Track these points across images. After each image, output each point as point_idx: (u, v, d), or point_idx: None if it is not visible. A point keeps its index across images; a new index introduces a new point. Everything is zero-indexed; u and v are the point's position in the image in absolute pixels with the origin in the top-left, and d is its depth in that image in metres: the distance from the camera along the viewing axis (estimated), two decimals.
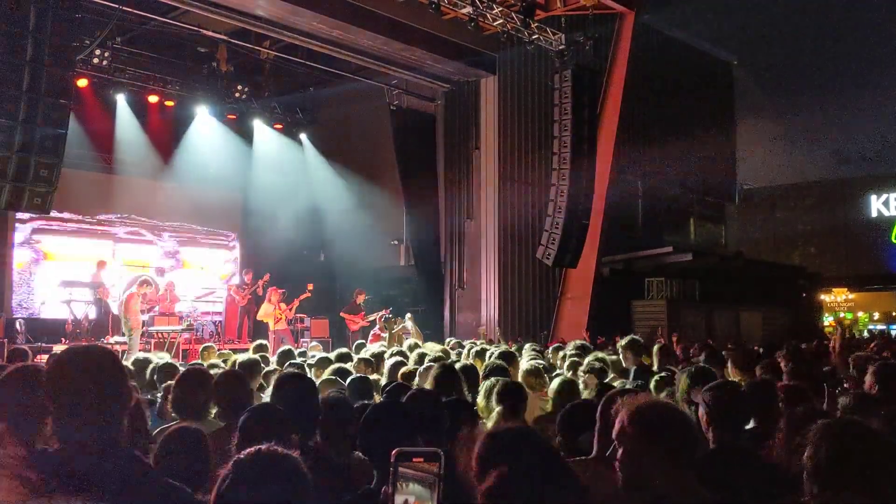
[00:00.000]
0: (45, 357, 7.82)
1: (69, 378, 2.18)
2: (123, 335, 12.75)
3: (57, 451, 2.16)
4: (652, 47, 22.75)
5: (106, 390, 2.18)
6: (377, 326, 14.75)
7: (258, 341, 9.04)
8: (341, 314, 15.71)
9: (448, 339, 10.95)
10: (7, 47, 8.39)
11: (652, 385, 5.07)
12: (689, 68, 26.32)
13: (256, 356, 6.21)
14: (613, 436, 2.41)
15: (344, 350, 8.09)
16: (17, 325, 13.71)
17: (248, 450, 1.92)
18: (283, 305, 14.81)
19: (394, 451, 1.87)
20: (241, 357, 6.09)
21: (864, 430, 2.20)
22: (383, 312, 15.08)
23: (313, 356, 7.59)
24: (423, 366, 5.77)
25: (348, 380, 5.34)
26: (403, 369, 5.88)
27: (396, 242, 19.47)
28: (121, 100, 16.09)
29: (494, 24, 14.06)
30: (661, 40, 24.09)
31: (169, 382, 4.56)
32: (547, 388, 5.80)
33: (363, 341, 12.45)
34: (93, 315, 14.07)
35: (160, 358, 6.56)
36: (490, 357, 6.96)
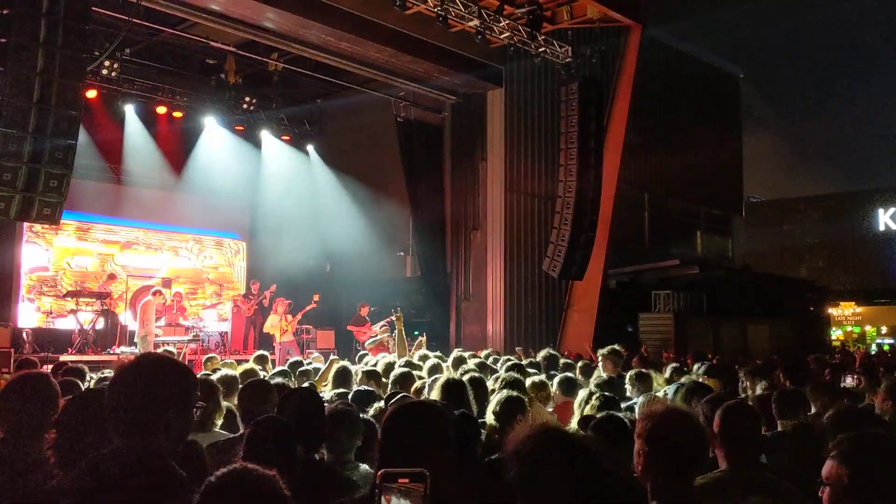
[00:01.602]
0: (50, 367, 7.84)
1: (138, 386, 2.16)
2: (136, 344, 12.81)
3: (100, 456, 2.14)
4: (658, 60, 22.76)
5: (157, 403, 2.16)
6: (378, 337, 14.70)
7: (259, 352, 9.02)
8: (348, 328, 15.71)
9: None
10: (18, 58, 8.45)
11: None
12: (696, 81, 26.30)
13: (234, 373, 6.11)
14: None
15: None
16: (24, 335, 13.76)
17: (222, 470, 1.84)
18: (289, 317, 14.83)
19: (379, 472, 1.87)
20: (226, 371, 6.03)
21: (892, 443, 2.18)
22: (386, 322, 15.06)
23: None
24: (431, 378, 5.76)
25: (352, 392, 5.33)
26: (417, 384, 5.84)
27: (402, 253, 19.48)
28: (129, 111, 16.18)
29: (501, 36, 14.10)
30: (667, 53, 24.11)
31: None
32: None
33: (365, 352, 12.40)
34: (100, 325, 14.11)
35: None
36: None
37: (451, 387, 4.45)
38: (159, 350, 12.62)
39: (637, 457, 2.46)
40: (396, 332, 11.39)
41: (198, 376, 4.60)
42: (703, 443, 2.54)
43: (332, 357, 7.66)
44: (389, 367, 7.03)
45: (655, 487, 2.41)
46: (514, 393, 4.34)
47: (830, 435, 2.76)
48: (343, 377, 6.18)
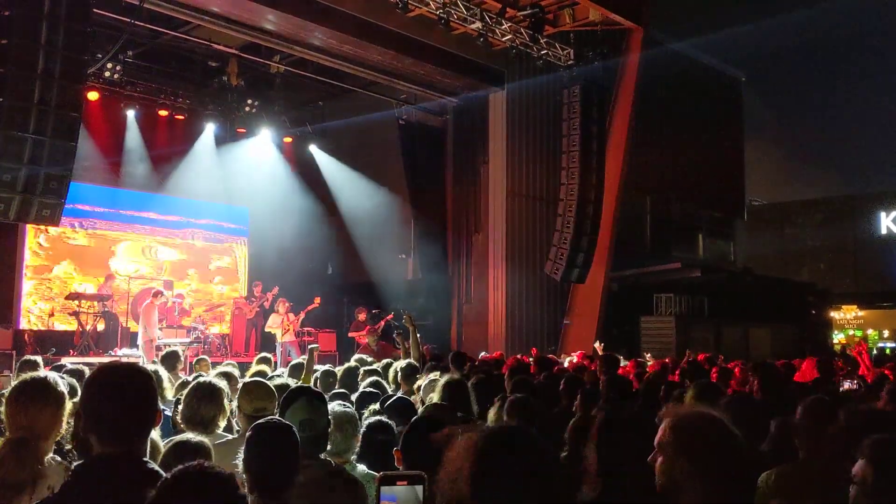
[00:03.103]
0: (48, 369, 7.81)
1: (107, 396, 2.23)
2: (138, 347, 12.79)
3: (82, 464, 2.20)
4: (660, 63, 22.73)
5: (140, 411, 2.24)
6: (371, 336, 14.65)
7: (262, 354, 8.98)
8: (349, 335, 15.69)
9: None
10: (19, 60, 8.45)
11: None
12: (698, 84, 26.32)
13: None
14: (655, 442, 2.35)
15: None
16: (26, 337, 13.75)
17: (179, 467, 1.86)
18: (291, 316, 14.77)
19: (378, 476, 1.87)
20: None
21: None
22: (381, 324, 15.04)
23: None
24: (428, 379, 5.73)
25: (356, 394, 5.30)
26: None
27: (404, 256, 19.46)
28: (131, 113, 16.19)
29: (503, 39, 14.11)
30: (669, 56, 24.10)
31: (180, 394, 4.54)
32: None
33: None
34: (101, 327, 14.09)
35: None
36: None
37: (452, 387, 4.43)
38: (161, 353, 12.61)
39: (667, 468, 2.27)
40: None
41: (199, 378, 4.59)
42: (738, 447, 2.38)
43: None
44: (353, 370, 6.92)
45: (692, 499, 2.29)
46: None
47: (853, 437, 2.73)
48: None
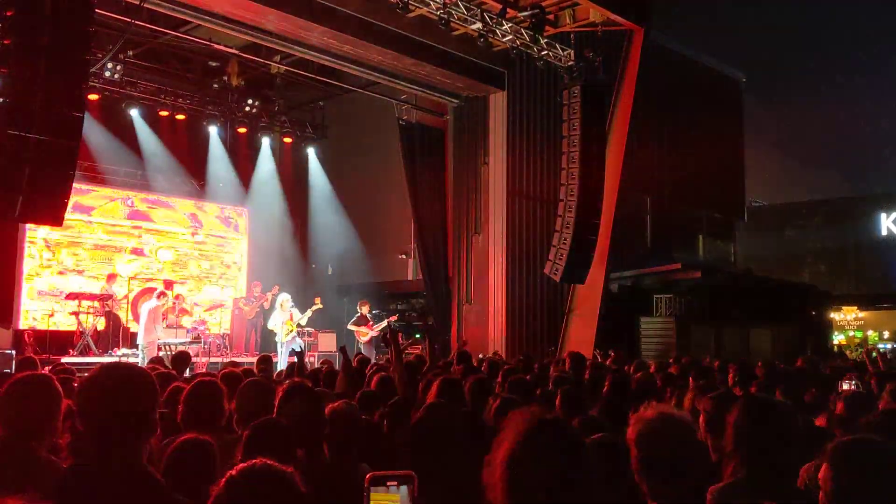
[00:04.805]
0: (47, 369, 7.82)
1: (103, 398, 2.20)
2: (138, 347, 12.80)
3: (76, 466, 2.19)
4: (661, 64, 22.73)
5: (137, 414, 2.21)
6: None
7: (263, 354, 9.00)
8: (349, 327, 15.68)
9: None
10: (21, 60, 8.46)
11: None
12: (698, 85, 26.29)
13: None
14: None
15: None
16: (26, 337, 13.76)
17: (241, 465, 1.87)
18: (296, 313, 14.72)
19: (367, 476, 1.89)
20: None
21: (884, 448, 2.17)
22: (387, 322, 15.06)
23: None
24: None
25: (358, 393, 5.32)
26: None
27: (404, 256, 19.47)
28: (132, 113, 16.20)
29: (504, 39, 14.11)
30: (670, 57, 24.09)
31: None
32: None
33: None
34: (101, 327, 14.11)
35: None
36: None
37: (448, 386, 4.47)
38: (161, 353, 12.65)
39: (632, 460, 2.45)
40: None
41: (198, 378, 4.60)
42: (695, 447, 2.51)
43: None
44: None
45: (651, 489, 2.41)
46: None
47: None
48: None
